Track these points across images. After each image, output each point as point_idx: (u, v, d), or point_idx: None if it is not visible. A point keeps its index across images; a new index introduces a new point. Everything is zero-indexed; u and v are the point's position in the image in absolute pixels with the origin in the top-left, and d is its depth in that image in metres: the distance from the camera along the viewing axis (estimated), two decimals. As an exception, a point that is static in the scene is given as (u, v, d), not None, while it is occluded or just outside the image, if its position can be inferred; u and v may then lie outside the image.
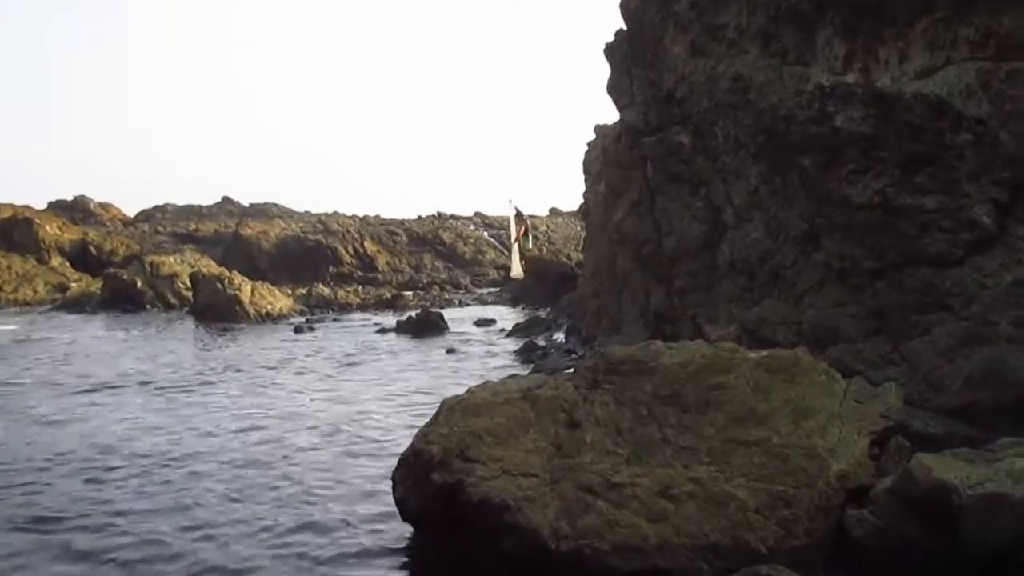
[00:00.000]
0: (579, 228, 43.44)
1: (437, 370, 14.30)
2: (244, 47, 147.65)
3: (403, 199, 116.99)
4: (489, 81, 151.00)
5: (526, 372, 12.27)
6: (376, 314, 25.82)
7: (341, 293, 29.74)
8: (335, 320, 24.05)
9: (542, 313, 22.24)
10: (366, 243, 40.22)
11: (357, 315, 25.61)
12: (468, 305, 28.59)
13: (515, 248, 34.09)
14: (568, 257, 33.07)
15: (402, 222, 45.80)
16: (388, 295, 29.65)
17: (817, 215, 8.31)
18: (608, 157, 14.04)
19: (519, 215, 33.70)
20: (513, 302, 28.13)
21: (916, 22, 7.23)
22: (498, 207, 47.72)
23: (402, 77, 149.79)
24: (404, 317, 21.38)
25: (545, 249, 37.30)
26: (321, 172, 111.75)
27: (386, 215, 48.55)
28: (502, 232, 44.02)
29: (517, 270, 32.96)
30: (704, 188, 10.42)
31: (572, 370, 6.46)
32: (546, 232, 44.16)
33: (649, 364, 5.91)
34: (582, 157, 20.28)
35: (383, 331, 20.50)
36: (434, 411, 6.08)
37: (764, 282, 9.32)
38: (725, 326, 9.71)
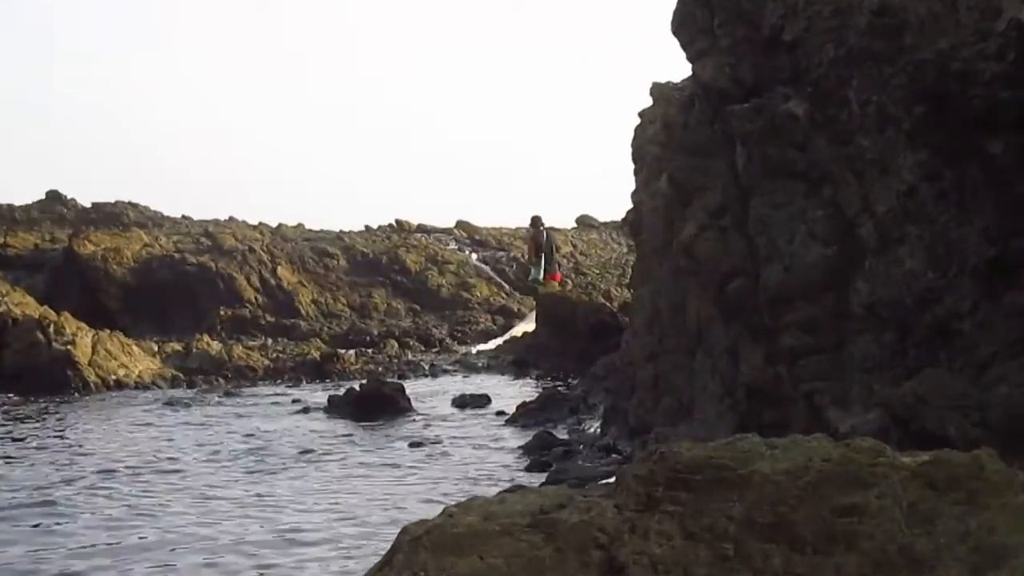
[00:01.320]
0: (624, 248, 43.57)
1: (394, 478, 14.29)
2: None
3: (341, 200, 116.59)
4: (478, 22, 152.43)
5: (538, 483, 12.23)
6: (296, 385, 25.76)
7: (239, 351, 29.71)
8: (229, 394, 24.00)
9: (564, 387, 22.20)
10: (280, 269, 40.34)
11: (265, 387, 25.55)
12: (445, 372, 28.58)
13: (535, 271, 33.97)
14: (607, 296, 33.13)
15: (339, 236, 45.95)
16: (316, 354, 29.63)
17: (1013, 233, 8.32)
18: (673, 136, 14.11)
19: (535, 223, 33.79)
20: (517, 368, 28.11)
21: None
22: (492, 216, 47.91)
23: (341, 25, 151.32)
24: (341, 391, 21.38)
25: (571, 282, 37.44)
26: (210, 159, 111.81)
27: (313, 224, 48.72)
28: (501, 255, 44.22)
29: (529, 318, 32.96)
30: (829, 187, 10.45)
31: (613, 480, 6.44)
32: (571, 255, 44.34)
33: (738, 472, 5.88)
34: (630, 137, 20.36)
35: (306, 411, 20.53)
36: (389, 545, 6.04)
37: (925, 340, 9.32)
38: (861, 411, 9.69)
